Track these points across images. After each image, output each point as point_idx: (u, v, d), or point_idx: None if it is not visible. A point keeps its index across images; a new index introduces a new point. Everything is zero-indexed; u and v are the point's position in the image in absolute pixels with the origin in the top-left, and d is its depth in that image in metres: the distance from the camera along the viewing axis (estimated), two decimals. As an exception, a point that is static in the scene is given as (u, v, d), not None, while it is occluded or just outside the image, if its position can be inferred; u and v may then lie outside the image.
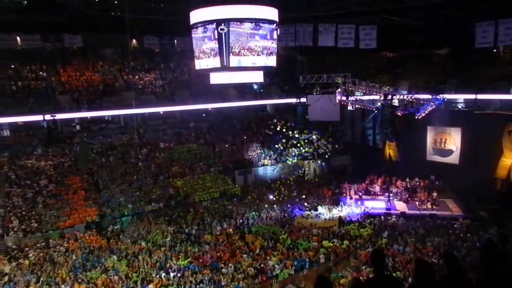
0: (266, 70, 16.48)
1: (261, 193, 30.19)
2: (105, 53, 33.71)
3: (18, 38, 28.06)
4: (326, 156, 32.03)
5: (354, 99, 28.53)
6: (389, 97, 25.66)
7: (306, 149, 32.09)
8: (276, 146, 32.35)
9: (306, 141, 31.77)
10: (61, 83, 30.21)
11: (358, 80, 27.92)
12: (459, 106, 29.57)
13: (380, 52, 35.39)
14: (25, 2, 22.26)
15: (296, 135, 31.54)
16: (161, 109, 30.65)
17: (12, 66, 29.63)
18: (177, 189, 28.69)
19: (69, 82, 30.47)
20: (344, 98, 28.34)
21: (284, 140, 31.74)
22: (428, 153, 30.10)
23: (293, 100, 31.46)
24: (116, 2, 22.85)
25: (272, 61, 15.37)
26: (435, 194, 27.32)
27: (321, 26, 26.29)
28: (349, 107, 29.07)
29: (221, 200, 28.81)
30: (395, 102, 26.36)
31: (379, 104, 26.54)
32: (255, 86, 34.47)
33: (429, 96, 26.16)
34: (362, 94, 28.52)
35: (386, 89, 27.20)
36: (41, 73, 30.25)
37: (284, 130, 31.37)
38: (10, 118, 25.95)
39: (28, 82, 29.17)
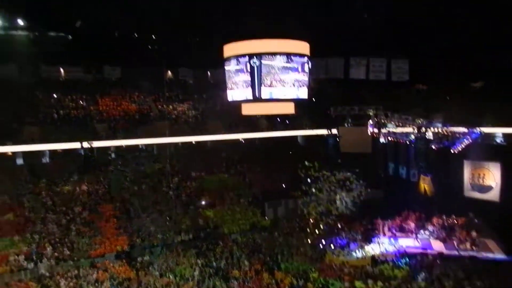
0: (297, 102, 16.75)
1: (291, 227, 29.72)
2: (141, 84, 35.09)
3: (61, 70, 29.74)
4: (359, 193, 31.32)
5: (386, 131, 28.20)
6: (423, 129, 25.24)
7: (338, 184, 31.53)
8: (308, 180, 32.02)
9: (337, 177, 31.14)
10: (99, 112, 31.58)
11: (391, 112, 27.67)
12: (498, 140, 28.65)
13: (413, 84, 35.12)
14: (70, 37, 23.76)
15: (327, 172, 31.09)
16: (193, 139, 31.26)
17: (55, 96, 31.29)
18: (207, 220, 28.76)
19: (107, 111, 31.80)
20: (376, 130, 28.07)
21: (315, 175, 31.41)
22: (466, 189, 28.99)
23: (324, 132, 31.38)
24: (154, 37, 24.04)
25: (303, 93, 15.64)
26: (474, 233, 25.99)
27: (352, 59, 26.54)
28: (382, 140, 28.72)
29: (251, 233, 28.54)
30: (429, 135, 25.87)
31: (412, 137, 26.12)
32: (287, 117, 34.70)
33: (465, 130, 25.56)
34: (394, 126, 28.18)
35: (419, 121, 26.81)
36: (81, 102, 31.77)
37: (314, 166, 31.04)
38: (50, 145, 27.13)
39: (68, 111, 30.66)
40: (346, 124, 30.01)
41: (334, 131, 29.99)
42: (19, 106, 29.05)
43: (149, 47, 25.33)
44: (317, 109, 35.27)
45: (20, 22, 22.15)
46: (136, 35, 24.88)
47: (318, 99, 34.23)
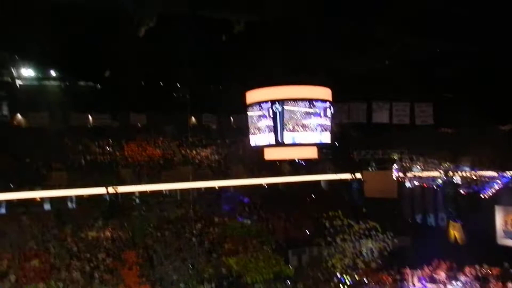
0: (320, 146, 16.70)
1: (316, 276, 28.70)
2: (166, 130, 35.89)
3: (90, 117, 30.78)
4: (385, 242, 30.18)
5: (412, 175, 27.66)
6: (451, 174, 24.67)
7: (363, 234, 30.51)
8: (332, 230, 31.19)
9: (362, 226, 30.23)
10: (124, 158, 32.22)
11: (416, 156, 27.26)
12: (530, 185, 27.56)
13: (439, 127, 34.66)
14: (98, 86, 24.82)
15: (352, 221, 30.26)
16: (216, 184, 31.32)
17: (83, 142, 32.25)
18: (230, 268, 28.10)
19: (132, 157, 32.44)
20: (401, 174, 27.59)
21: (340, 224, 30.61)
22: (499, 236, 27.65)
23: (348, 176, 31.03)
24: (178, 85, 24.86)
25: (326, 138, 15.57)
26: (510, 284, 24.55)
27: (375, 103, 26.59)
28: (408, 184, 28.11)
29: (274, 282, 27.64)
30: (457, 180, 25.20)
31: (440, 181, 25.51)
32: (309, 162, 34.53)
33: (494, 174, 24.81)
34: (420, 170, 27.64)
35: (446, 165, 26.24)
36: (107, 148, 32.59)
37: (339, 215, 30.33)
38: (77, 191, 27.64)
39: (95, 157, 31.42)
40: (370, 168, 29.69)
41: (358, 175, 29.59)
42: (48, 152, 29.97)
43: (174, 94, 26.10)
44: (341, 153, 35.13)
45: (52, 72, 23.37)
46: (161, 83, 25.76)
47: (341, 144, 34.21)
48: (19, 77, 22.50)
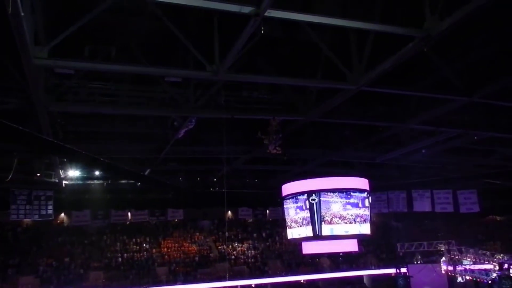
0: (361, 238, 16.13)
1: None
2: (202, 225, 35.83)
3: (129, 214, 31.37)
4: None
5: (462, 269, 25.71)
6: (506, 266, 22.75)
7: None
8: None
9: None
10: (161, 255, 31.92)
11: (465, 248, 25.59)
12: None
13: (487, 215, 32.95)
14: (138, 183, 25.67)
15: None
16: (253, 282, 30.16)
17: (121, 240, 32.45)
18: None
19: (168, 254, 32.11)
20: (450, 268, 25.73)
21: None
22: None
23: (392, 271, 29.26)
24: (215, 180, 25.42)
25: (366, 229, 15.13)
26: None
27: (414, 192, 25.99)
28: (459, 279, 26.03)
29: None
30: (515, 273, 23.14)
31: (494, 275, 23.48)
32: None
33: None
34: (471, 263, 25.72)
35: (500, 257, 24.34)
36: (144, 245, 32.54)
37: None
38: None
39: (132, 254, 31.32)
40: (416, 262, 27.99)
41: (403, 269, 27.84)
42: (87, 251, 30.28)
43: (211, 189, 26.57)
44: (383, 245, 33.58)
45: (96, 172, 24.56)
46: (199, 179, 26.49)
47: (382, 235, 32.87)
48: (65, 178, 23.75)
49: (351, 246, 15.93)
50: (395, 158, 20.89)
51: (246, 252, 33.82)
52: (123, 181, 26.16)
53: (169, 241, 33.57)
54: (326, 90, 13.80)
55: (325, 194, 14.80)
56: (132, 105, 14.23)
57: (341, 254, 29.61)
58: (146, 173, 22.29)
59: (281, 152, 13.97)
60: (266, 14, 8.72)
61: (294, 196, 15.66)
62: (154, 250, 32.35)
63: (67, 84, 13.12)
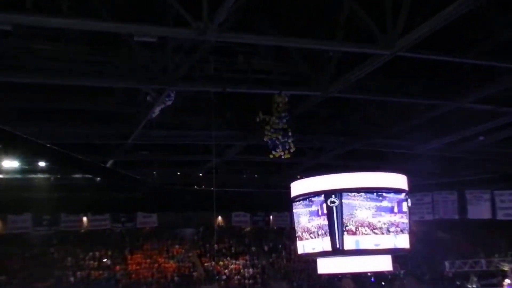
0: (396, 253, 16.41)
1: None
2: (183, 234, 36.15)
3: (84, 219, 31.66)
4: None
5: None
6: None
7: None
8: None
9: None
10: (127, 273, 32.34)
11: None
12: None
13: None
14: (98, 179, 25.93)
15: None
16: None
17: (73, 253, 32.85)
18: None
19: (137, 272, 32.52)
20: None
21: None
22: None
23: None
24: (201, 175, 25.68)
25: (403, 242, 15.37)
26: None
27: (469, 193, 26.27)
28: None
29: None
30: None
31: None
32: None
33: None
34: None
35: None
36: (105, 260, 32.93)
37: None
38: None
39: (88, 272, 31.72)
40: (470, 286, 28.54)
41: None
42: (28, 267, 30.63)
43: (196, 187, 26.88)
44: (426, 264, 33.99)
45: (40, 163, 24.62)
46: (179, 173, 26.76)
47: (425, 250, 33.24)
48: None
49: (383, 264, 16.18)
50: (441, 148, 21.13)
51: (242, 270, 34.21)
52: (77, 176, 26.38)
53: (138, 255, 33.92)
54: (347, 60, 13.98)
55: (348, 195, 14.95)
56: (90, 74, 14.41)
57: (369, 274, 30.10)
58: (109, 164, 22.57)
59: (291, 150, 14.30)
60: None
61: (307, 197, 15.84)
62: (118, 267, 32.72)
63: (3, 45, 13.31)
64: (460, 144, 20.94)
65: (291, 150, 15.71)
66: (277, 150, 14.88)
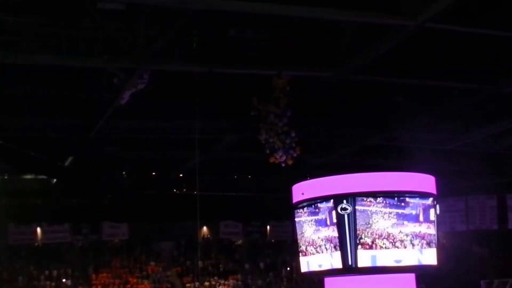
0: (422, 271, 16.41)
1: None
2: (160, 249, 36.11)
3: (38, 230, 31.58)
4: None
5: None
6: None
7: None
8: None
9: None
10: (91, 297, 32.37)
11: None
12: None
13: None
14: (54, 181, 25.81)
15: None
16: None
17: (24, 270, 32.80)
18: None
19: (104, 295, 32.56)
20: None
21: None
22: None
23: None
24: (181, 175, 25.60)
25: (430, 257, 15.35)
26: None
27: (511, 198, 26.38)
28: None
29: None
30: None
31: None
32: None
33: None
34: None
35: None
36: (64, 280, 32.87)
37: None
38: None
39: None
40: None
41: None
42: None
43: (175, 190, 26.80)
44: (459, 283, 34.18)
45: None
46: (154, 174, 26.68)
47: (457, 268, 33.38)
48: None
49: (406, 284, 16.24)
50: (479, 142, 21.13)
51: (232, 293, 34.31)
52: (29, 176, 26.27)
53: (105, 274, 33.89)
54: (364, 33, 13.89)
55: (363, 200, 14.91)
56: (42, 50, 14.24)
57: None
58: (67, 163, 22.46)
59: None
60: None
61: (313, 203, 15.82)
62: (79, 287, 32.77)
63: None
64: (502, 138, 20.92)
65: (295, 155, 15.61)
66: (277, 157, 14.71)
